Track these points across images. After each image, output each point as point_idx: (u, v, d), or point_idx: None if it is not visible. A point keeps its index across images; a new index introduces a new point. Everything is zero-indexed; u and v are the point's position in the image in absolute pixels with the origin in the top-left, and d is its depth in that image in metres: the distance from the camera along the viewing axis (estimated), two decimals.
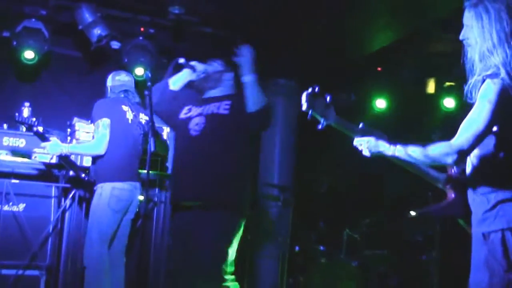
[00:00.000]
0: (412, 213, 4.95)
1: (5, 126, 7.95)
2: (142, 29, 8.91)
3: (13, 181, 7.55)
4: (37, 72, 9.11)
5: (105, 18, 8.47)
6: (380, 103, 10.33)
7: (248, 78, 5.53)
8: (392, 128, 9.32)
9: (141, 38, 8.86)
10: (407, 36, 8.47)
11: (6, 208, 7.52)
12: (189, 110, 5.76)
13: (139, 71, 8.70)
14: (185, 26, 9.00)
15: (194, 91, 5.98)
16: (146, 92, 7.50)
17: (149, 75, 7.88)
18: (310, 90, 4.24)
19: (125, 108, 7.09)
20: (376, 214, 8.86)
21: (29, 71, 9.00)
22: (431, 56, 9.28)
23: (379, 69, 9.91)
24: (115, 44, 8.86)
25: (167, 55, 9.25)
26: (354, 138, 4.21)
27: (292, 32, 9.09)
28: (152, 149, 7.30)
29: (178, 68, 6.07)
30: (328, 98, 4.29)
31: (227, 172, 5.45)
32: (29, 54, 8.38)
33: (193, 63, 5.79)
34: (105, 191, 6.76)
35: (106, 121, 6.88)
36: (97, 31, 8.35)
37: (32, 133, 7.47)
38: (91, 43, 8.48)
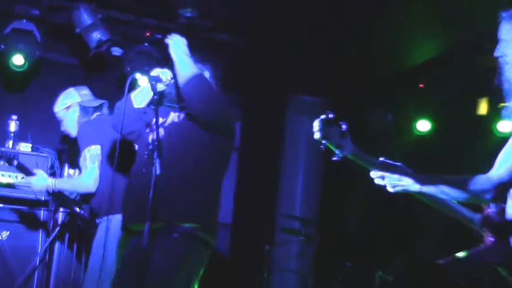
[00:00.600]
0: (440, 262, 4.82)
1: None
2: (147, 33, 8.85)
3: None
4: (27, 80, 8.98)
5: (106, 21, 8.41)
6: (422, 125, 9.89)
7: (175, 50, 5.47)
8: (436, 155, 9.74)
9: (146, 44, 8.77)
10: (454, 48, 8.40)
11: None
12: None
13: (143, 81, 8.44)
14: (198, 32, 8.79)
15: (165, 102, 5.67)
16: (152, 107, 7.42)
17: (156, 87, 7.77)
18: (323, 116, 3.84)
19: None
20: (414, 252, 8.72)
21: (17, 79, 8.91)
22: (483, 72, 8.59)
23: (421, 85, 9.61)
24: (116, 51, 8.74)
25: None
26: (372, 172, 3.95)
27: (319, 43, 9.06)
28: (158, 171, 7.13)
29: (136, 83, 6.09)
30: (344, 126, 3.83)
31: (180, 188, 5.15)
32: (18, 60, 8.29)
33: (156, 72, 5.48)
34: (113, 224, 6.30)
35: (95, 150, 6.51)
36: (97, 35, 8.29)
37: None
38: (89, 49, 8.41)
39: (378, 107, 10.16)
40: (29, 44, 8.28)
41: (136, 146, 5.77)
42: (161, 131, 5.28)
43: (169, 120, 5.48)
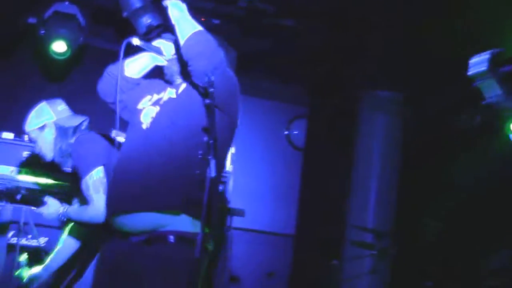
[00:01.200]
0: None
1: (26, 137, 7.61)
2: (203, 19, 7.78)
3: (33, 208, 7.08)
4: (68, 69, 9.00)
5: (157, 4, 7.69)
6: None
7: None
8: None
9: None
10: None
11: (24, 242, 7.47)
12: (150, 100, 5.17)
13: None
14: (260, 17, 8.76)
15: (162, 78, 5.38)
16: (208, 101, 7.08)
17: (212, 78, 7.53)
18: None
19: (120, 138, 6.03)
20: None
21: (58, 67, 8.90)
22: None
23: None
24: (168, 37, 8.50)
25: (237, 52, 8.99)
26: None
27: (400, 32, 8.83)
28: (213, 174, 6.98)
29: (134, 50, 5.54)
30: None
31: (176, 176, 4.76)
32: (59, 46, 8.28)
33: (158, 42, 5.34)
34: None
35: (96, 174, 6.07)
36: (147, 20, 7.20)
37: None
38: (139, 35, 8.14)
39: (465, 104, 9.54)
40: (71, 29, 8.26)
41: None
42: (156, 109, 5.03)
43: (165, 96, 5.09)
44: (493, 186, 9.59)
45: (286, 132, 10.45)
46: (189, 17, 4.90)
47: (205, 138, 4.26)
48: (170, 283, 4.42)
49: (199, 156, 4.56)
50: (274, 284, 10.05)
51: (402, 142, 9.60)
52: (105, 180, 5.90)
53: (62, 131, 6.19)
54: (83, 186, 5.96)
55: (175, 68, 5.11)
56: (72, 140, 6.22)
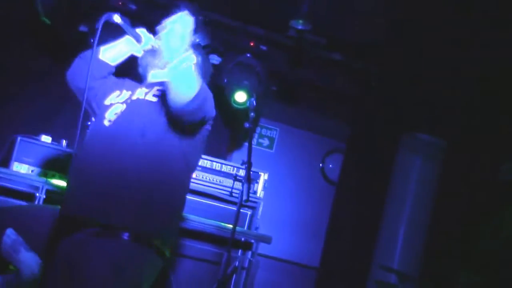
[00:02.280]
0: None
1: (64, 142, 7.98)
2: (251, 43, 8.85)
3: None
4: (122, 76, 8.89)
5: (207, 24, 8.41)
6: None
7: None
8: None
9: (248, 55, 8.80)
10: None
11: None
12: (118, 96, 5.00)
13: (241, 96, 8.72)
14: (308, 48, 8.88)
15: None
16: (247, 125, 7.52)
17: (254, 103, 7.50)
18: None
19: None
20: None
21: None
22: None
23: None
24: (214, 59, 8.73)
25: (279, 82, 9.47)
26: None
27: (442, 75, 8.77)
28: (245, 197, 7.02)
29: (113, 31, 5.20)
30: None
31: (142, 184, 4.64)
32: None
33: (139, 30, 4.97)
34: None
35: None
36: (195, 39, 8.05)
37: None
38: None
39: (506, 155, 9.40)
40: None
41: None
42: (123, 106, 4.83)
43: (135, 95, 4.94)
44: None
45: (321, 165, 10.55)
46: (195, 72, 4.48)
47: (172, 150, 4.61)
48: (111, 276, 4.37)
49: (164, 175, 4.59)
50: None
51: (438, 185, 9.27)
52: None
53: None
54: None
55: (151, 60, 4.92)
56: None
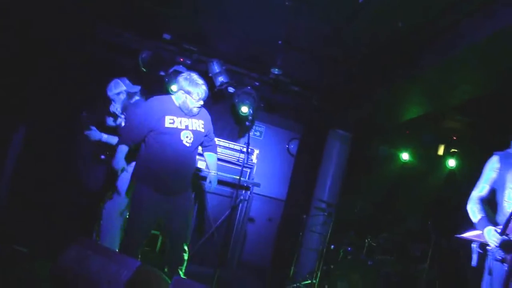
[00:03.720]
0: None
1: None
2: (249, 87, 8.99)
3: None
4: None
5: (227, 71, 8.70)
6: (405, 156, 10.26)
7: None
8: (411, 175, 9.69)
9: (249, 87, 8.96)
10: (431, 112, 8.37)
11: None
12: (173, 122, 5.51)
13: (244, 109, 8.81)
14: (280, 84, 9.09)
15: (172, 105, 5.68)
16: (247, 124, 8.06)
17: (251, 113, 8.20)
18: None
19: None
20: (391, 231, 8.67)
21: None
22: (444, 129, 9.17)
23: (407, 132, 9.81)
24: (231, 89, 8.97)
25: (265, 102, 9.51)
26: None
27: (354, 101, 9.10)
28: (246, 162, 7.61)
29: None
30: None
31: (192, 172, 5.79)
32: (174, 88, 7.75)
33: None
34: None
35: None
36: (221, 79, 8.59)
37: None
38: (216, 86, 8.65)
39: (381, 143, 10.35)
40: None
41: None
42: (191, 134, 5.56)
43: (193, 125, 5.63)
44: (394, 188, 10.01)
45: (287, 146, 10.29)
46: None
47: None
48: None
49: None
50: (272, 224, 10.10)
51: (347, 157, 9.78)
52: None
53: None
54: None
55: (195, 108, 5.63)
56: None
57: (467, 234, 4.36)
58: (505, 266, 4.00)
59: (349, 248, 8.54)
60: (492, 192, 4.52)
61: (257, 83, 9.12)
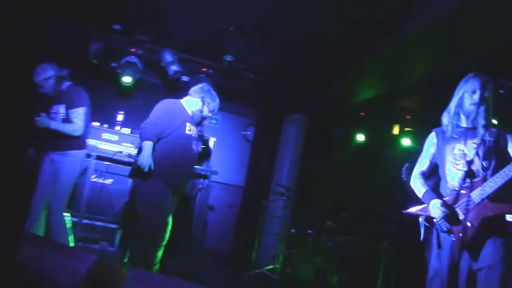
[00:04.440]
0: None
1: (105, 125, 8.19)
2: (204, 69, 9.05)
3: (106, 163, 7.87)
4: (131, 91, 9.25)
5: (180, 60, 8.70)
6: (360, 137, 10.38)
7: None
8: (367, 155, 9.83)
9: (202, 75, 8.94)
10: (384, 93, 8.49)
11: (100, 181, 7.84)
12: (190, 130, 5.86)
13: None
14: (234, 71, 8.95)
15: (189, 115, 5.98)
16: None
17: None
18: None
19: None
20: (350, 212, 8.77)
21: (125, 90, 9.17)
22: (399, 109, 9.27)
23: (362, 113, 9.89)
24: (185, 78, 8.98)
25: (218, 89, 8.99)
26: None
27: (308, 85, 9.22)
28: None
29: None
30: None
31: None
32: (127, 79, 8.56)
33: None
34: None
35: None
36: (174, 68, 8.61)
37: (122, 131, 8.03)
38: (169, 76, 8.70)
39: (337, 125, 10.44)
40: (134, 70, 8.51)
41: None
42: (196, 141, 5.93)
43: (195, 132, 5.93)
44: (350, 169, 10.00)
45: (243, 132, 10.44)
46: None
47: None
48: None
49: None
50: (232, 211, 10.22)
51: (304, 141, 9.87)
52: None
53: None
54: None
55: (203, 119, 6.06)
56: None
57: (414, 209, 4.45)
58: (452, 237, 4.11)
59: (309, 231, 8.59)
60: (434, 167, 4.63)
61: (210, 71, 9.11)
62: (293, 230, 8.83)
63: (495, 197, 4.05)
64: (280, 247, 8.59)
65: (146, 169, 5.57)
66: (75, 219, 7.51)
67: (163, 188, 5.65)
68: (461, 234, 3.99)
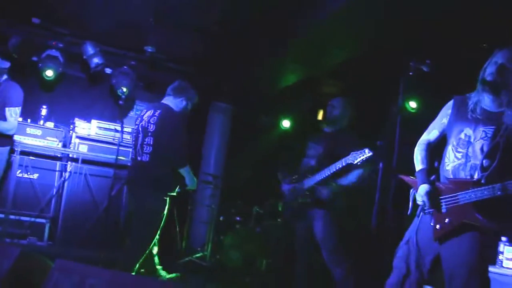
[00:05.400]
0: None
1: (28, 120, 8.13)
2: (132, 62, 9.07)
3: (31, 158, 7.86)
4: (54, 85, 9.09)
5: (102, 52, 8.70)
6: (286, 123, 10.44)
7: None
8: (291, 142, 9.78)
9: (125, 67, 8.96)
10: (307, 79, 8.62)
11: (25, 176, 7.81)
12: None
13: (123, 89, 8.74)
14: (157, 61, 9.12)
15: None
16: (121, 103, 8.11)
17: (130, 92, 8.45)
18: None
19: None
20: (276, 197, 8.29)
21: (48, 84, 9.00)
22: (322, 94, 9.39)
23: (287, 100, 9.94)
24: (107, 70, 9.02)
25: (143, 80, 9.47)
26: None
27: (231, 73, 9.37)
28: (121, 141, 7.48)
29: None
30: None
31: None
32: (49, 73, 8.48)
33: None
34: None
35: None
36: (96, 60, 8.61)
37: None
38: (91, 68, 8.70)
39: (264, 112, 10.48)
40: (55, 64, 8.47)
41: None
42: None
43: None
44: (276, 155, 9.87)
45: None
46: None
47: None
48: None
49: None
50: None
51: (230, 130, 9.94)
52: None
53: None
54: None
55: None
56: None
57: (409, 179, 4.14)
58: (432, 222, 3.87)
59: (237, 218, 8.74)
60: (444, 138, 4.14)
61: (133, 62, 9.13)
62: (222, 218, 8.91)
63: (486, 205, 3.61)
64: (209, 235, 8.58)
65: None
66: (1, 215, 7.55)
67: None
68: (437, 226, 3.79)
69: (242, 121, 10.18)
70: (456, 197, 3.72)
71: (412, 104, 7.77)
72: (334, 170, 5.53)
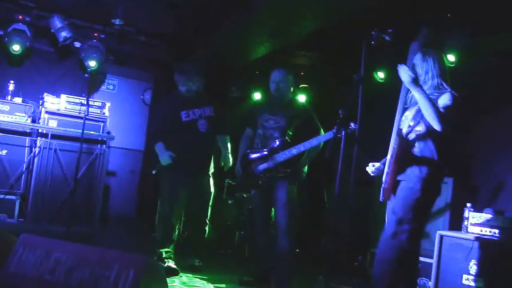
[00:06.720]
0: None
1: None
2: (96, 34, 9.02)
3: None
4: (21, 60, 9.10)
5: (70, 25, 8.66)
6: (257, 96, 10.31)
7: None
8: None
9: (94, 40, 8.93)
10: (277, 51, 8.61)
11: None
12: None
13: (92, 63, 8.73)
14: (126, 34, 9.18)
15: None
16: (86, 76, 7.98)
17: (99, 65, 8.38)
18: None
19: None
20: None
21: (15, 59, 8.99)
22: (292, 66, 8.84)
23: (257, 72, 9.93)
24: (76, 44, 8.94)
25: (112, 53, 9.54)
26: None
27: (199, 46, 9.34)
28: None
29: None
30: None
31: None
32: (16, 47, 8.43)
33: None
34: None
35: None
36: (64, 34, 8.58)
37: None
38: (59, 42, 8.67)
39: (235, 84, 10.39)
40: (23, 38, 8.41)
41: None
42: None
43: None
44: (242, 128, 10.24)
45: (141, 96, 10.39)
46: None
47: None
48: None
49: None
50: (134, 176, 10.29)
51: None
52: None
53: None
54: None
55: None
56: None
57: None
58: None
59: None
60: None
61: (102, 36, 9.09)
62: None
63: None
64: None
65: None
66: None
67: None
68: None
69: (214, 94, 10.05)
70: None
71: (380, 75, 7.84)
72: (309, 146, 5.71)
